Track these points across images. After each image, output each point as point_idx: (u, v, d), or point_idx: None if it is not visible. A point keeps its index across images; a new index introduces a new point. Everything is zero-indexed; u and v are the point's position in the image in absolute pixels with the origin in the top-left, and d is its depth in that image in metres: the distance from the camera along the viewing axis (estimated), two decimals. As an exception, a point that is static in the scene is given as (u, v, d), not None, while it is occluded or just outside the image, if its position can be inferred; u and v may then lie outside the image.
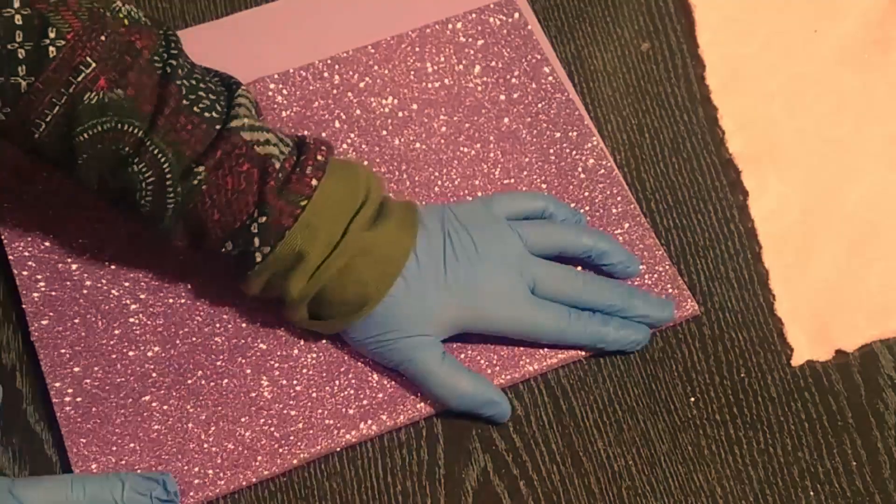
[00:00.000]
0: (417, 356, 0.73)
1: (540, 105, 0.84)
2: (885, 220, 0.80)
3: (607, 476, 0.73)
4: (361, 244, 0.72)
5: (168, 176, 0.70)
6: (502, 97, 0.84)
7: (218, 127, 0.71)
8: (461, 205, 0.78)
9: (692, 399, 0.75)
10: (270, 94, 0.84)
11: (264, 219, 0.71)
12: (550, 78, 0.85)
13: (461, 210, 0.76)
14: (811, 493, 0.73)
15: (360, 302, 0.73)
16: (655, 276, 0.78)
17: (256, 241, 0.71)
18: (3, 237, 0.79)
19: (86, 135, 0.69)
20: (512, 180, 0.81)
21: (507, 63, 0.85)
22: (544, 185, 0.81)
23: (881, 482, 0.73)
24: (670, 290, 0.77)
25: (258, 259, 0.72)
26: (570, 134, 0.83)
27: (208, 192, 0.70)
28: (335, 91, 0.84)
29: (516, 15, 0.87)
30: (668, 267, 0.78)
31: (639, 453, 0.74)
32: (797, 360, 0.76)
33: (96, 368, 0.75)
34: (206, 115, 0.70)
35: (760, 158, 0.83)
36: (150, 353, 0.76)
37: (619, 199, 0.80)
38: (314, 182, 0.71)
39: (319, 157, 0.72)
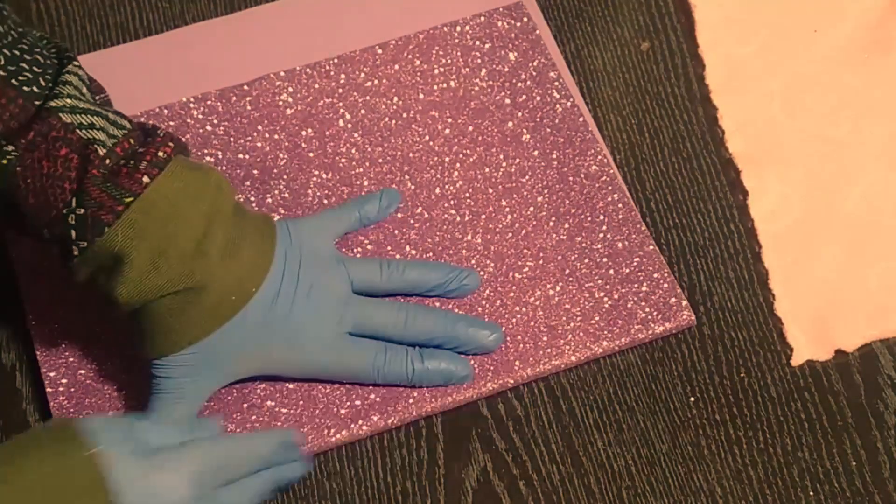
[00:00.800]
0: (180, 388, 0.70)
1: (545, 110, 0.83)
2: (885, 220, 0.80)
3: (607, 476, 0.73)
4: (199, 272, 0.67)
5: None
6: (507, 101, 0.84)
7: (37, 103, 0.65)
8: (296, 225, 0.74)
9: (692, 399, 0.75)
10: (276, 90, 0.84)
11: (81, 210, 0.65)
12: (556, 83, 0.84)
13: (297, 233, 0.73)
14: (811, 493, 0.73)
15: (175, 337, 0.68)
16: (653, 283, 0.77)
17: (73, 233, 0.66)
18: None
19: None
20: (513, 184, 0.81)
21: (513, 67, 0.85)
22: (546, 190, 0.81)
23: (881, 482, 0.73)
24: (669, 300, 0.77)
25: (75, 252, 0.66)
26: (573, 139, 0.82)
27: (22, 174, 0.65)
28: (340, 90, 0.84)
29: (525, 19, 0.87)
30: (666, 275, 0.78)
31: (639, 453, 0.74)
32: (797, 360, 0.76)
33: (91, 359, 0.75)
34: (25, 89, 0.65)
35: (760, 158, 0.83)
36: None
37: (619, 205, 0.80)
38: (146, 179, 0.65)
39: (161, 154, 0.66)
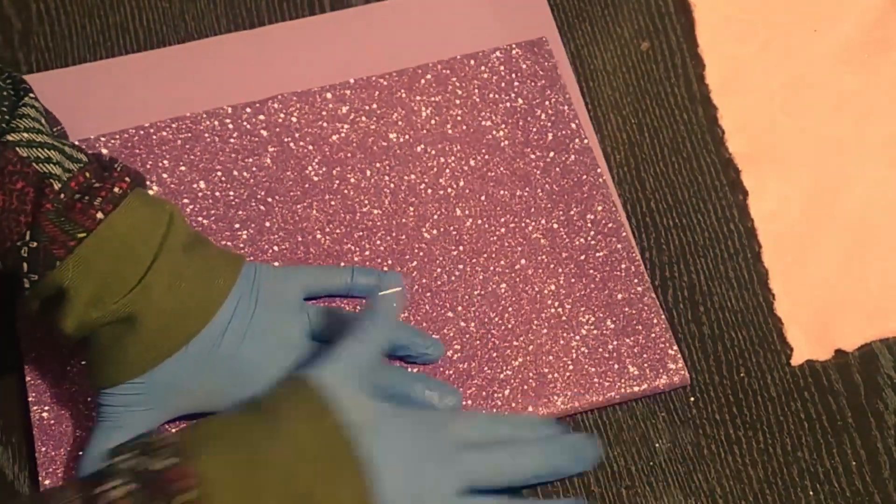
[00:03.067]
0: (120, 419, 0.69)
1: (558, 150, 0.82)
2: (885, 220, 0.80)
3: (607, 476, 0.73)
4: (138, 304, 0.66)
5: None
6: (520, 138, 0.83)
7: None
8: (266, 270, 0.73)
9: (692, 399, 0.75)
10: (288, 111, 0.83)
11: (35, 244, 0.65)
12: (572, 125, 0.83)
13: (263, 276, 0.72)
14: (810, 493, 0.73)
15: (116, 368, 0.68)
16: (652, 336, 0.76)
17: (25, 266, 0.66)
18: None
19: None
20: (518, 224, 0.80)
21: (530, 104, 0.84)
22: (550, 233, 0.79)
23: (881, 482, 0.73)
24: (664, 356, 0.76)
25: (26, 285, 0.66)
26: (583, 183, 0.81)
27: None
28: (353, 115, 0.83)
29: (546, 55, 0.86)
30: (663, 331, 0.76)
31: (639, 453, 0.74)
32: (797, 360, 0.76)
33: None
34: None
35: (760, 158, 0.83)
36: None
37: (624, 254, 0.79)
38: (99, 215, 0.66)
39: (116, 190, 0.67)
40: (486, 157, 0.82)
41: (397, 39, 0.87)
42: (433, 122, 0.83)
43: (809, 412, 0.75)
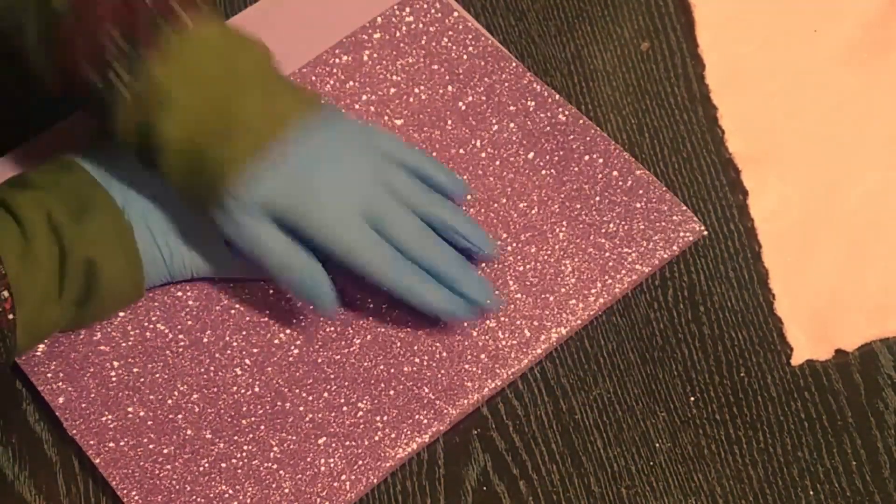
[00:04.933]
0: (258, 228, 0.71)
1: (494, 78, 0.84)
2: (885, 219, 0.80)
3: (607, 476, 0.73)
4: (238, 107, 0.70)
5: None
6: (451, 85, 0.84)
7: None
8: (351, 120, 0.77)
9: (692, 399, 0.75)
10: None
11: (129, 48, 0.69)
12: (480, 39, 0.85)
13: (347, 123, 0.75)
14: (811, 493, 0.73)
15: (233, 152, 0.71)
16: (653, 206, 0.79)
17: (121, 71, 0.70)
18: None
19: None
20: (488, 151, 0.82)
21: (445, 47, 0.85)
22: (515, 148, 0.82)
23: (881, 482, 0.73)
24: (673, 217, 0.79)
25: (125, 94, 0.70)
26: (528, 103, 0.83)
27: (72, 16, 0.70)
28: None
29: (438, 4, 0.87)
30: (663, 194, 0.79)
31: (639, 453, 0.74)
32: (797, 360, 0.76)
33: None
34: None
35: (760, 158, 0.83)
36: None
37: (580, 131, 0.81)
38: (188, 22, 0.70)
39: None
40: (429, 110, 0.83)
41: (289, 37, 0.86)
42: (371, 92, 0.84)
43: (809, 412, 0.75)
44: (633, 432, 0.75)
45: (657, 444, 0.74)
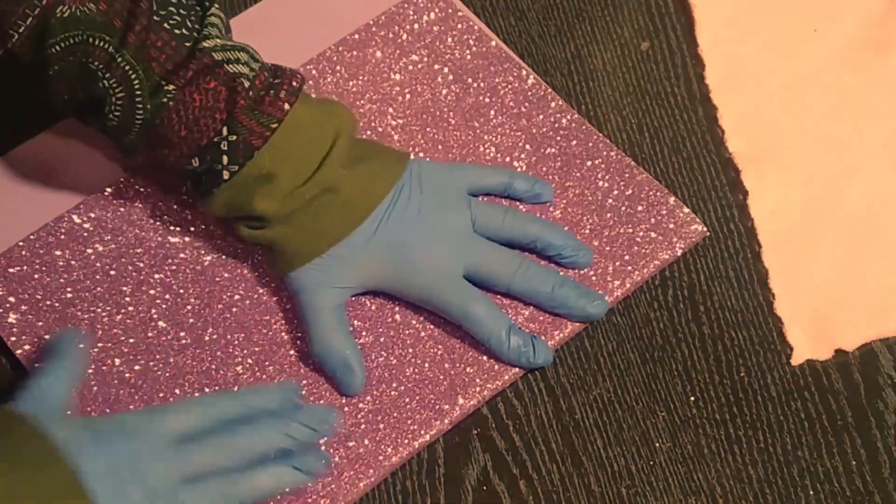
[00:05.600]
0: (318, 298, 0.74)
1: (498, 79, 0.84)
2: (885, 219, 0.80)
3: (607, 476, 0.73)
4: (336, 179, 0.73)
5: (138, 92, 0.71)
6: (454, 85, 0.84)
7: (188, 45, 0.72)
8: (429, 163, 0.79)
9: (692, 398, 0.75)
10: None
11: (234, 137, 0.72)
12: (473, 29, 0.86)
13: (426, 169, 0.77)
14: (811, 493, 0.73)
15: (318, 239, 0.74)
16: (654, 207, 0.79)
17: (225, 158, 0.72)
18: None
19: (57, 47, 0.71)
20: (490, 154, 0.82)
21: (448, 46, 0.85)
22: (517, 153, 0.82)
23: (881, 481, 0.73)
24: (675, 220, 0.79)
25: (225, 177, 0.73)
26: (531, 107, 0.83)
27: (175, 108, 0.71)
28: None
29: (441, 3, 0.87)
30: (665, 194, 0.80)
31: (639, 453, 0.74)
32: (797, 360, 0.76)
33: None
34: (177, 31, 0.72)
35: (760, 158, 0.83)
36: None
37: (583, 136, 0.82)
38: (286, 106, 0.72)
39: (294, 83, 0.73)
40: (421, 98, 0.84)
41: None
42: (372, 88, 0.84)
43: (809, 412, 0.75)
44: (633, 432, 0.75)
45: (657, 444, 0.74)
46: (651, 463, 0.74)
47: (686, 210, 0.80)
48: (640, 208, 0.80)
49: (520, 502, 0.73)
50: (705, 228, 0.79)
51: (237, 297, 0.77)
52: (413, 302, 0.76)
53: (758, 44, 0.87)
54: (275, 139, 0.72)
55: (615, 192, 0.80)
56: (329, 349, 0.74)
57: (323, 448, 0.72)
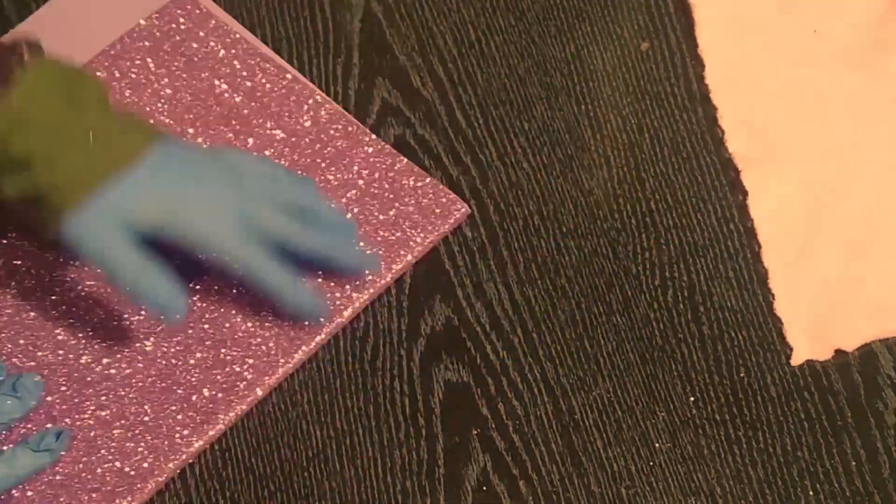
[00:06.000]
0: (102, 239, 0.73)
1: (257, 78, 0.85)
2: (885, 220, 0.80)
3: (607, 476, 0.73)
4: (97, 119, 0.73)
5: None
6: (217, 88, 0.85)
7: None
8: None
9: (692, 399, 0.76)
10: None
11: None
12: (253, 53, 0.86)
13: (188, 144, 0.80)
14: (810, 493, 0.73)
15: (89, 175, 0.72)
16: (415, 188, 0.81)
17: None
18: None
19: None
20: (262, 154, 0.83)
21: (207, 52, 0.86)
22: (282, 147, 0.83)
23: (880, 482, 0.73)
24: (438, 199, 0.81)
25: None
26: (291, 104, 0.84)
27: None
28: None
29: (197, 11, 0.87)
30: (426, 179, 0.82)
31: (638, 453, 0.74)
32: (796, 360, 0.77)
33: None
34: None
35: (760, 158, 0.83)
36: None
37: (342, 127, 0.83)
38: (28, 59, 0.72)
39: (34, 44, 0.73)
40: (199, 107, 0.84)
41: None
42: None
43: (809, 412, 0.75)
44: (633, 432, 0.75)
45: (657, 444, 0.74)
46: (651, 463, 0.74)
47: (448, 192, 0.81)
48: (402, 193, 0.81)
49: (520, 502, 0.73)
50: (468, 208, 0.81)
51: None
52: (191, 250, 0.75)
53: (758, 44, 0.87)
54: (28, 79, 0.71)
55: (380, 179, 0.82)
56: (137, 284, 0.73)
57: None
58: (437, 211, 0.81)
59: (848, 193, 0.81)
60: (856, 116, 0.84)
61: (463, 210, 0.81)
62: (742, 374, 0.76)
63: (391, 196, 0.81)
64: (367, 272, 0.79)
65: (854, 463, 0.73)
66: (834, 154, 0.83)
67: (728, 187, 0.82)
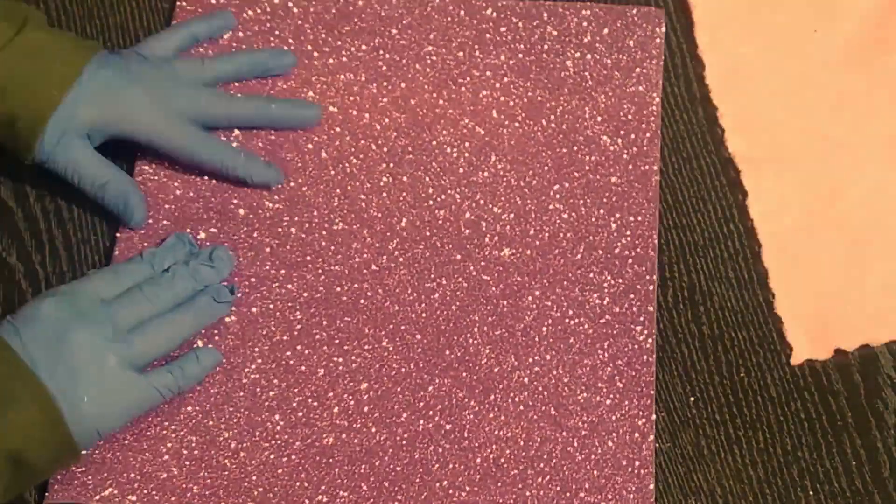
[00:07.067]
0: (71, 151, 0.78)
1: (626, 130, 0.83)
2: (885, 219, 0.80)
3: (607, 476, 0.73)
4: (42, 37, 0.77)
5: None
6: (593, 97, 0.84)
7: None
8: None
9: (692, 399, 0.76)
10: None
11: None
12: (652, 107, 0.84)
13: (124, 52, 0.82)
14: (810, 493, 0.73)
15: (49, 90, 0.77)
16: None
17: None
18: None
19: None
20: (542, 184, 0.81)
21: (620, 68, 0.85)
22: (574, 213, 0.80)
23: (880, 481, 0.73)
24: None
25: None
26: (629, 177, 0.81)
27: None
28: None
29: (657, 29, 0.86)
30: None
31: (638, 453, 0.74)
32: (797, 360, 0.77)
33: None
34: None
35: (760, 158, 0.83)
36: None
37: (643, 266, 0.79)
38: None
39: None
40: (547, 95, 0.83)
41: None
42: (503, 54, 0.85)
43: (809, 412, 0.75)
44: (633, 432, 0.75)
45: (657, 445, 0.74)
46: (651, 463, 0.74)
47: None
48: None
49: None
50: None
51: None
52: (147, 146, 0.80)
53: (758, 44, 0.87)
54: None
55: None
56: (103, 189, 0.79)
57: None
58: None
59: (847, 194, 0.81)
60: (856, 117, 0.84)
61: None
62: (742, 374, 0.76)
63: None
64: (313, 116, 0.83)
65: (854, 463, 0.73)
66: (834, 154, 0.83)
67: (728, 187, 0.82)
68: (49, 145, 0.77)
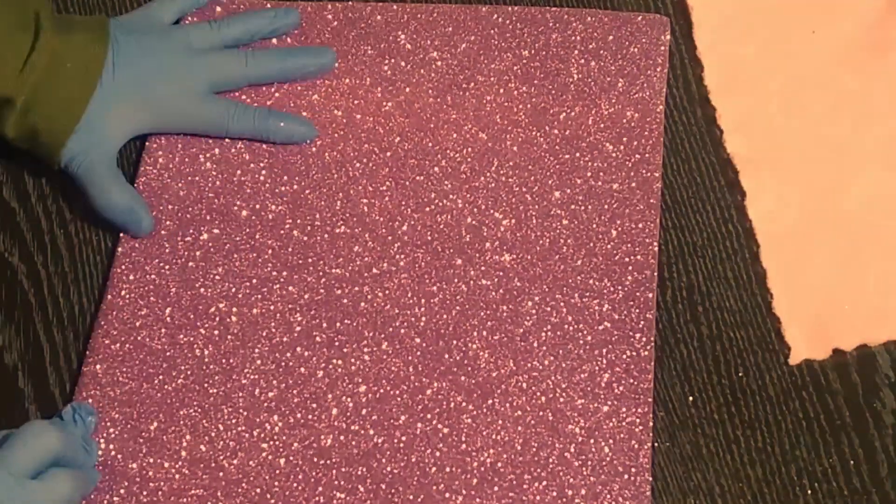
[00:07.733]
0: (91, 160, 0.79)
1: (628, 137, 0.82)
2: (883, 219, 0.81)
3: (606, 475, 0.74)
4: (58, 45, 0.77)
5: None
6: (597, 103, 0.83)
7: None
8: (124, 16, 0.84)
9: (690, 398, 0.76)
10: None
11: None
12: (655, 115, 0.83)
13: (124, 19, 0.83)
14: (809, 492, 0.73)
15: (71, 105, 0.78)
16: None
17: None
18: None
19: None
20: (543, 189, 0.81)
21: (624, 75, 0.84)
22: (575, 219, 0.80)
23: (878, 481, 0.73)
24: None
25: None
26: (631, 184, 0.81)
27: None
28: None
29: (662, 37, 0.86)
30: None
31: (637, 452, 0.74)
32: (795, 360, 0.77)
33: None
34: None
35: (759, 158, 0.83)
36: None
37: (643, 273, 0.78)
38: None
39: None
40: (551, 102, 0.83)
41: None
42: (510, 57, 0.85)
43: (807, 411, 0.75)
44: (632, 432, 0.75)
45: (656, 444, 0.74)
46: (650, 463, 0.74)
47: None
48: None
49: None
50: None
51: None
52: (177, 131, 0.82)
53: (757, 45, 0.87)
54: None
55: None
56: (109, 201, 0.79)
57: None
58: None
59: (846, 194, 0.82)
60: (854, 116, 0.84)
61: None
62: (741, 374, 0.76)
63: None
64: (331, 60, 0.84)
65: (852, 462, 0.74)
66: (833, 154, 0.83)
67: (727, 188, 0.82)
68: (70, 156, 0.79)
